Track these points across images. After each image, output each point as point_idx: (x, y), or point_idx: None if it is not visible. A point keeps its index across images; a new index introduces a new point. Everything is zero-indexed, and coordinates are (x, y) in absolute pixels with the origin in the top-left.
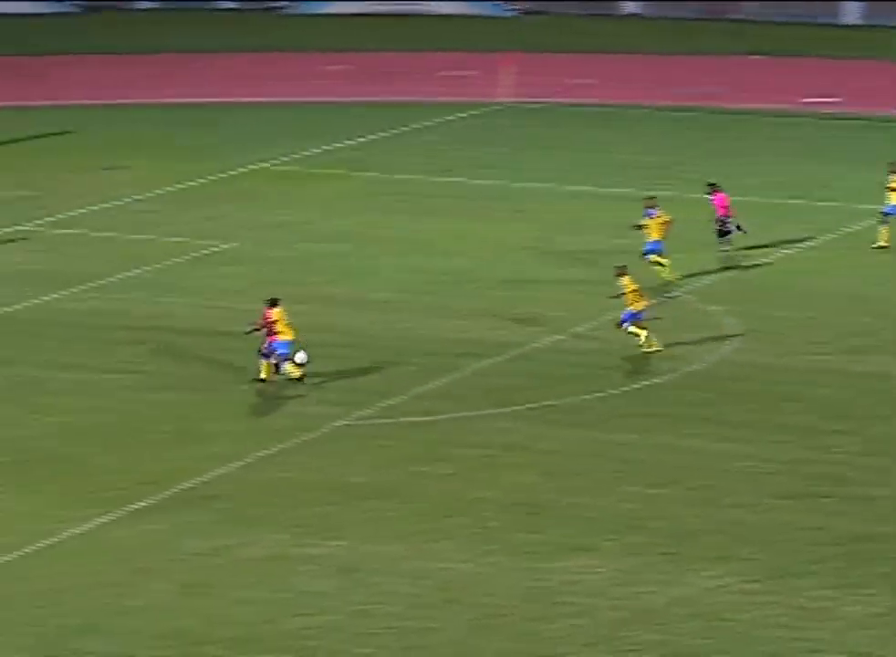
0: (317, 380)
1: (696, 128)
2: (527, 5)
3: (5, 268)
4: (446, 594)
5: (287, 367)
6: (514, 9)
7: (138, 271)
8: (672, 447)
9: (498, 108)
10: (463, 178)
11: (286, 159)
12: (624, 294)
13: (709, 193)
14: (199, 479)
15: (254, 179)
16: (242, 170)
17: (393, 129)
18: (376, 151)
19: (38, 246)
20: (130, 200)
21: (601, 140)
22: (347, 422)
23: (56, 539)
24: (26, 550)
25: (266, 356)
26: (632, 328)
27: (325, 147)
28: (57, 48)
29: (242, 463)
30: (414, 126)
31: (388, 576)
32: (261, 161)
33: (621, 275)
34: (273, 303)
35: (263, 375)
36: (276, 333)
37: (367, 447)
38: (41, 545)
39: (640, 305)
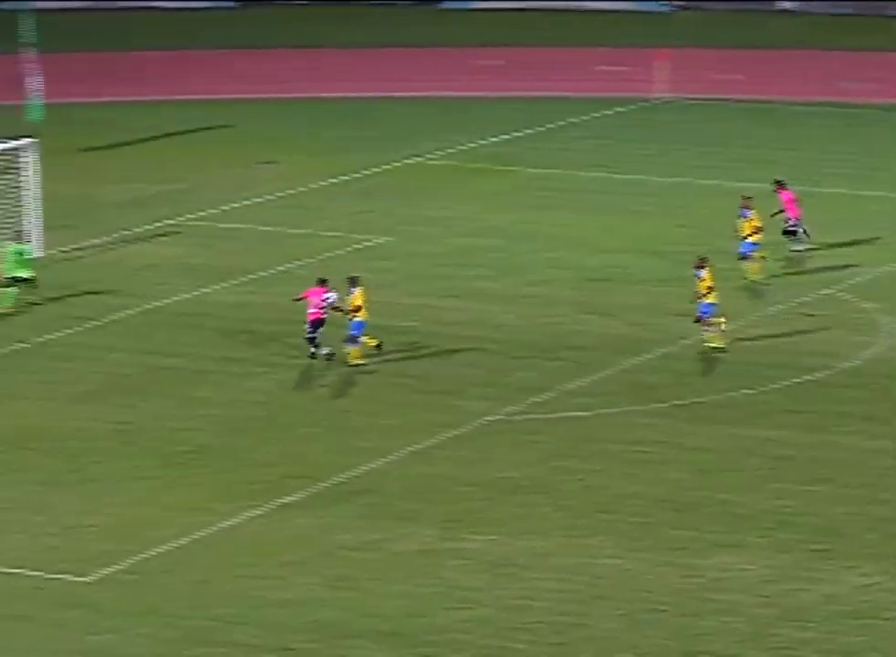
0: (466, 375)
1: (852, 124)
2: (682, 2)
3: (160, 261)
4: (597, 590)
5: (349, 347)
6: (669, 5)
7: (290, 265)
8: (825, 444)
9: (651, 104)
10: (616, 174)
11: (438, 154)
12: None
13: (776, 191)
14: (348, 474)
15: (407, 174)
16: (394, 165)
17: (543, 125)
18: (529, 147)
19: (193, 240)
20: (283, 194)
21: (755, 136)
22: (496, 418)
23: (206, 532)
24: (178, 543)
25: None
26: (711, 321)
27: (479, 142)
28: (213, 43)
29: (391, 458)
30: (564, 122)
31: (538, 571)
32: (414, 155)
33: (701, 267)
34: (322, 282)
35: (355, 360)
36: (320, 312)
37: (516, 443)
38: (193, 537)
39: (711, 298)
